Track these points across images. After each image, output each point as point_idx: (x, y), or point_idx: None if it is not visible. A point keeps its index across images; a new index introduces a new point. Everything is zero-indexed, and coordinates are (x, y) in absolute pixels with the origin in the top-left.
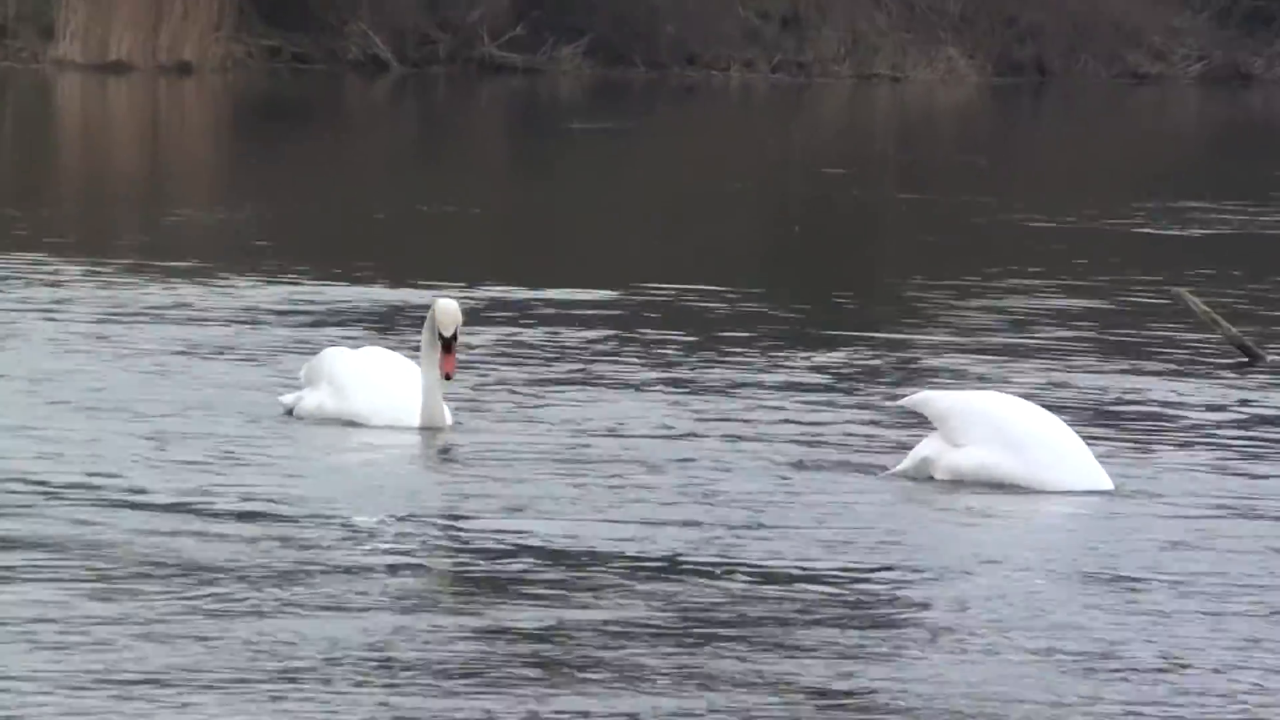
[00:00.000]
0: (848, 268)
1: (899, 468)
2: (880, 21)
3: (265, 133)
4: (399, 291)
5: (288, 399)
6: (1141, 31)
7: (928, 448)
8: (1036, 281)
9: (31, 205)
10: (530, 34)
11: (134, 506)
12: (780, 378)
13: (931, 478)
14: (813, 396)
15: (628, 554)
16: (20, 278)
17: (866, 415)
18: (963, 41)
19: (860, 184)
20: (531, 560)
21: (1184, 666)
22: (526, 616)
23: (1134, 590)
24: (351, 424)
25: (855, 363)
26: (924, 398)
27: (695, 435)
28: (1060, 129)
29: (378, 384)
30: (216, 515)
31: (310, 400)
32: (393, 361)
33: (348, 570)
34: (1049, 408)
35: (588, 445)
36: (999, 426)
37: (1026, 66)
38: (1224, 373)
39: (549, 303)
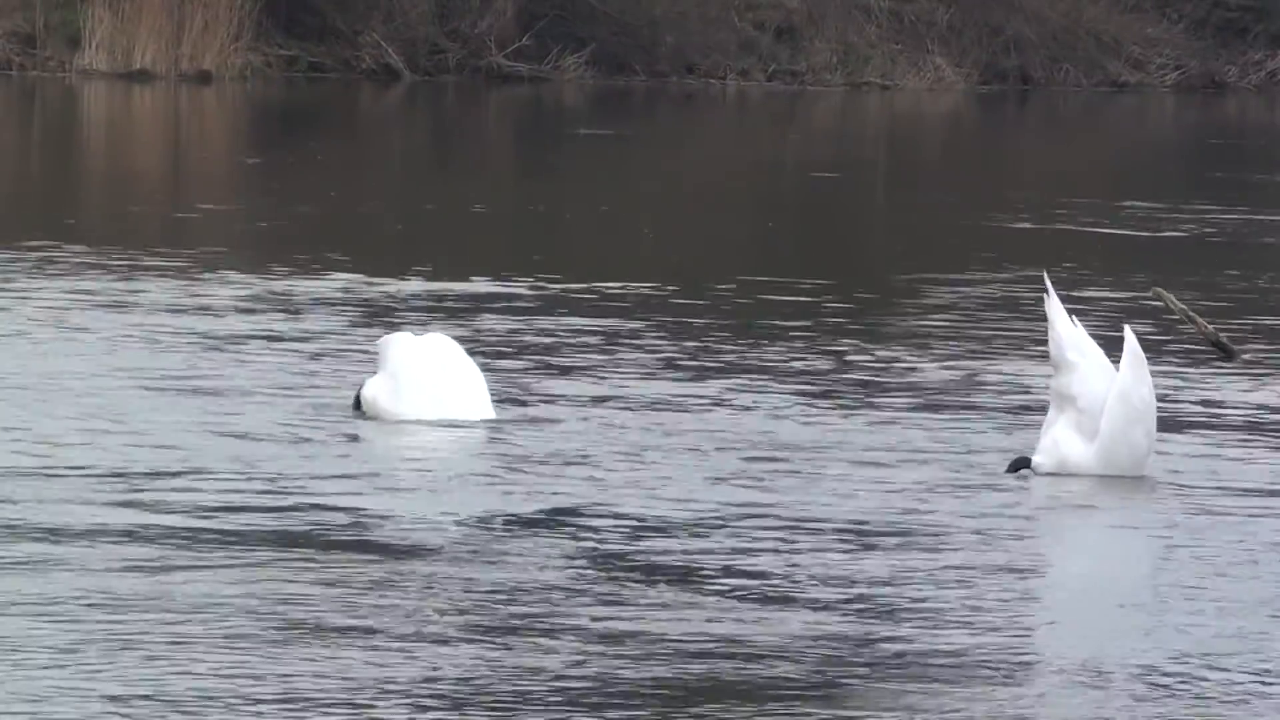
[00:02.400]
0: (838, 263)
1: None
2: (870, 32)
3: (286, 137)
4: (439, 284)
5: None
6: (1120, 42)
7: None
8: (1019, 279)
9: (71, 205)
10: (536, 44)
11: (158, 479)
12: (771, 366)
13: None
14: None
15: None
16: (60, 273)
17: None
18: (950, 51)
19: (849, 186)
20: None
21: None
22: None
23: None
24: (397, 418)
25: (852, 354)
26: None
27: (725, 425)
28: (1043, 134)
29: (421, 375)
30: (225, 491)
31: (368, 389)
32: (445, 351)
33: (334, 545)
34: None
35: (626, 427)
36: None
37: (1011, 75)
38: (1202, 369)
39: (563, 294)
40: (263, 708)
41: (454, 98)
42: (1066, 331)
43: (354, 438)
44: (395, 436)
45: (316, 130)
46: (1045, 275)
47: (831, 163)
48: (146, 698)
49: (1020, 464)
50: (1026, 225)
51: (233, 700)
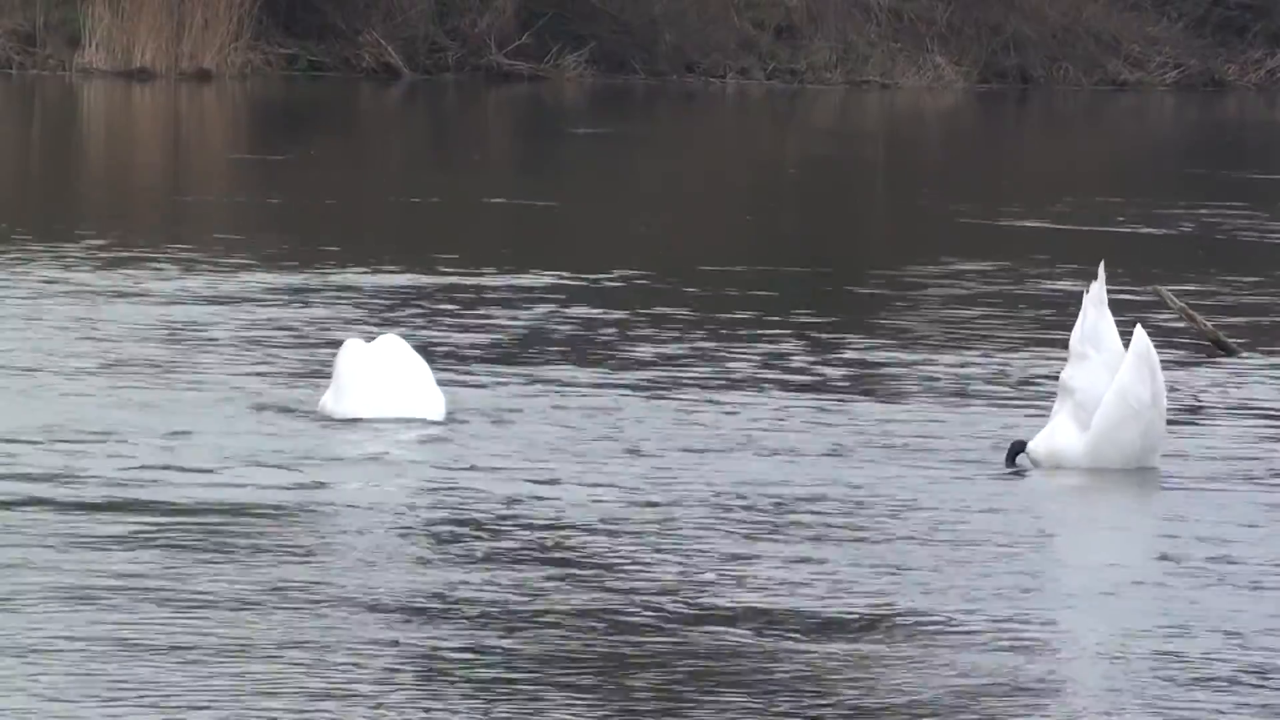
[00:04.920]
0: (831, 258)
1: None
2: (870, 31)
3: (288, 135)
4: (425, 278)
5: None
6: (1119, 40)
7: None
8: (1016, 275)
9: (70, 201)
10: (535, 43)
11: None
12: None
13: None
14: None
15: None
16: (58, 266)
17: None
18: (949, 50)
19: (846, 183)
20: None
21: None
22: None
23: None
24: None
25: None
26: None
27: (697, 423)
28: (1042, 133)
29: (364, 376)
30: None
31: (326, 397)
32: (391, 352)
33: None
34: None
35: (616, 410)
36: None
37: (1010, 74)
38: (1202, 366)
39: (540, 289)
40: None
41: (454, 96)
42: (1089, 325)
43: (286, 430)
44: (330, 432)
45: (316, 128)
46: (1101, 265)
47: (830, 161)
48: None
49: (1018, 448)
50: (1025, 223)
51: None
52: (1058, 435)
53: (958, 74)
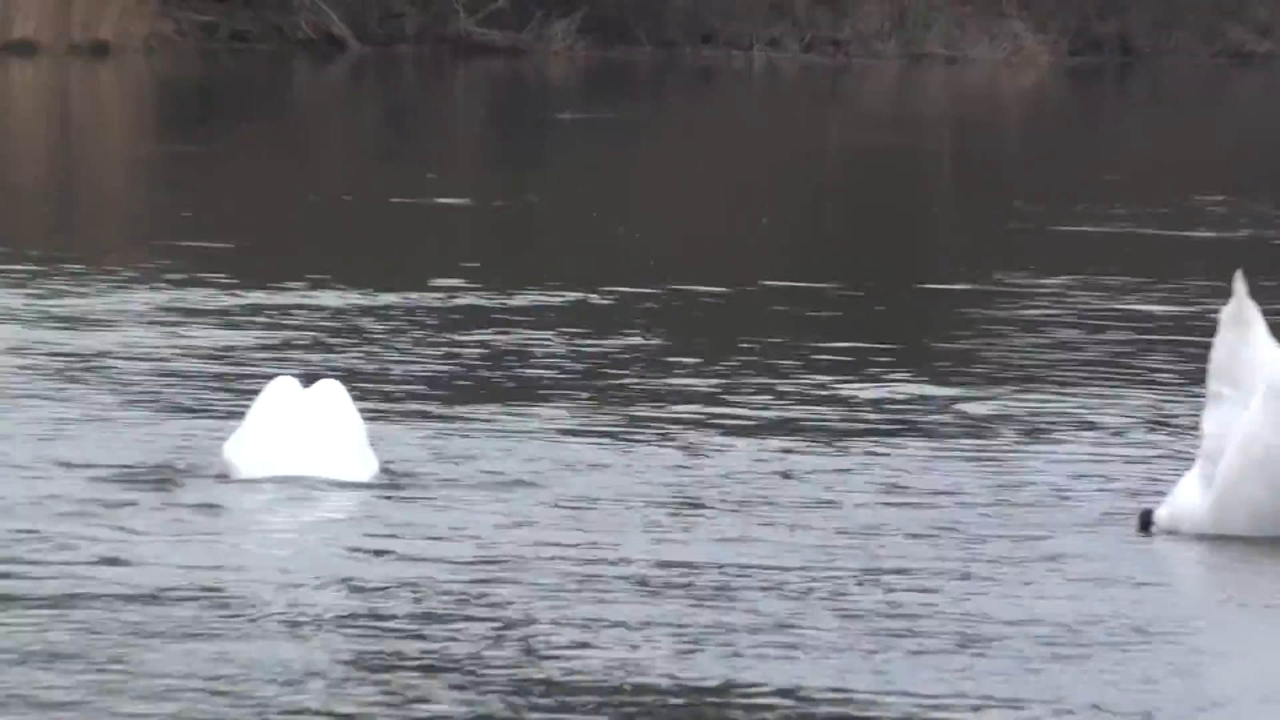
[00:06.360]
0: (878, 270)
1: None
2: None
3: (198, 122)
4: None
5: None
6: (1244, 3)
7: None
8: (1109, 293)
9: None
10: (515, 7)
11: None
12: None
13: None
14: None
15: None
16: None
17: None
18: (1031, 15)
19: (903, 181)
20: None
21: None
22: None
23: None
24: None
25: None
26: None
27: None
28: (1148, 117)
29: (275, 428)
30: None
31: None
32: (317, 401)
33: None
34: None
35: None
36: None
37: (1108, 44)
38: None
39: (519, 309)
40: None
41: (412, 73)
42: (1223, 355)
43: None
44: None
45: (239, 113)
46: (1238, 276)
47: (883, 153)
48: None
49: (1146, 518)
50: (1123, 228)
51: None
52: (1180, 494)
53: (1042, 45)
